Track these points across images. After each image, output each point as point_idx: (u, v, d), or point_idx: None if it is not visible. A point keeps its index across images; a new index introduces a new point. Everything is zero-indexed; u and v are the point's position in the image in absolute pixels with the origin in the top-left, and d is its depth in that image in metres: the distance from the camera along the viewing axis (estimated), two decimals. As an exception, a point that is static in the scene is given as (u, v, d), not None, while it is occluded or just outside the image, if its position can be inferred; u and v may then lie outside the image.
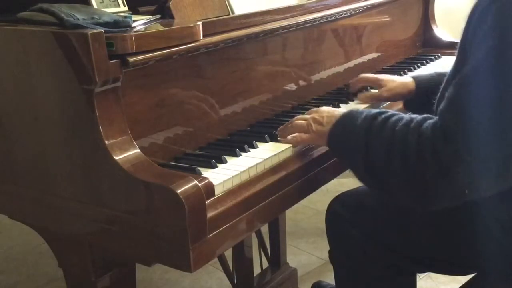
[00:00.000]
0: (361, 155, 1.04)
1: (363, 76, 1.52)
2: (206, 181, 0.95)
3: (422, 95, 1.37)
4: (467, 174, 0.94)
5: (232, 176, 1.03)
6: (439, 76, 1.38)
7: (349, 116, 1.10)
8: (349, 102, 1.48)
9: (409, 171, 0.98)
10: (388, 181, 1.02)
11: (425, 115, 1.02)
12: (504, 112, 0.93)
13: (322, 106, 1.31)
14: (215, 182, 0.99)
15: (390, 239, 1.22)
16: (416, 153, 0.96)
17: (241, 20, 1.24)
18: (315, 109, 1.20)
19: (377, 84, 1.47)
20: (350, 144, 1.07)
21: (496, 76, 0.93)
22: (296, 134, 1.18)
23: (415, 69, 1.83)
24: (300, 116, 1.23)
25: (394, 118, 1.03)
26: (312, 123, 1.16)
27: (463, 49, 1.02)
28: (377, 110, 1.08)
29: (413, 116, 1.03)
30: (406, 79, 1.47)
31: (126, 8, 1.19)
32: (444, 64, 1.89)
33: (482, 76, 0.95)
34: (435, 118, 0.99)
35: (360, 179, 1.10)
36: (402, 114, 1.05)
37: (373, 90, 1.51)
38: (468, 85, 0.96)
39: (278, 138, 1.21)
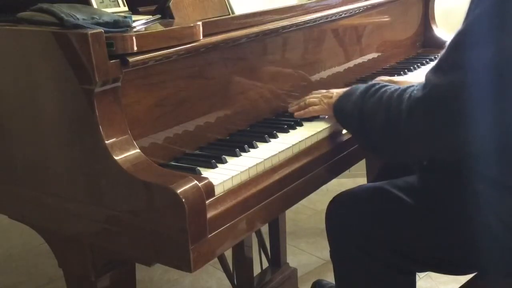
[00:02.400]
0: (356, 118, 1.17)
1: (378, 79, 1.53)
2: (206, 181, 0.95)
3: None
4: (438, 125, 1.02)
5: (232, 176, 1.03)
6: None
7: (353, 88, 1.24)
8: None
9: (388, 125, 1.09)
10: (376, 138, 1.14)
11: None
12: (504, 69, 0.95)
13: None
14: (215, 182, 0.99)
15: (390, 239, 1.22)
16: (396, 105, 1.07)
17: (241, 20, 1.24)
18: (324, 90, 1.36)
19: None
20: (347, 107, 1.20)
21: (489, 35, 0.96)
22: (310, 107, 1.34)
23: (415, 69, 1.83)
24: (311, 95, 1.38)
25: (389, 86, 1.15)
26: (323, 98, 1.33)
27: (465, 18, 1.04)
28: (377, 82, 1.20)
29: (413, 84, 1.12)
30: (408, 79, 1.49)
31: (126, 8, 1.19)
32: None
33: (474, 34, 0.98)
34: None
35: (356, 140, 1.27)
36: (399, 86, 1.15)
37: None
38: (458, 45, 1.00)
39: (292, 113, 1.36)
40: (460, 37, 1.01)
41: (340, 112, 1.24)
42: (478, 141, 1.02)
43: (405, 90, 1.09)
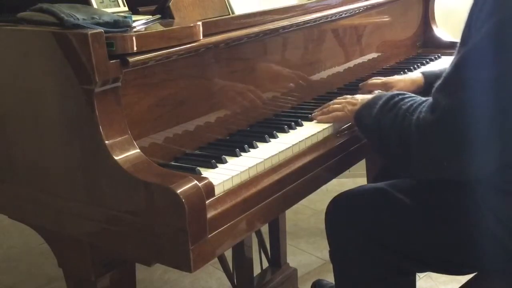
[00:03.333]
0: (374, 133, 1.17)
1: (371, 82, 1.53)
2: (206, 181, 0.95)
3: (429, 90, 1.39)
4: (448, 149, 1.02)
5: (232, 176, 1.03)
6: None
7: (375, 98, 1.21)
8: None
9: (401, 145, 1.09)
10: (391, 154, 1.15)
11: (428, 98, 1.10)
12: (501, 92, 0.96)
13: (322, 105, 1.34)
14: (215, 182, 0.99)
15: (390, 239, 1.22)
16: (408, 124, 1.07)
17: (241, 20, 1.24)
18: (350, 96, 1.34)
19: (387, 87, 1.49)
20: (367, 119, 1.19)
21: (494, 56, 0.97)
22: (333, 113, 1.32)
23: (415, 69, 1.82)
24: (335, 100, 1.36)
25: (407, 99, 1.14)
26: (347, 105, 1.30)
27: (464, 36, 1.05)
28: (398, 92, 1.19)
29: (423, 98, 1.12)
30: (414, 76, 1.54)
31: (126, 8, 1.19)
32: (445, 64, 1.89)
33: (479, 56, 0.98)
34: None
35: (374, 149, 1.25)
36: (416, 97, 1.15)
37: None
38: (464, 64, 1.00)
39: (314, 119, 1.34)
40: (466, 57, 1.01)
41: (360, 123, 1.23)
42: (485, 158, 1.02)
43: (416, 108, 1.08)
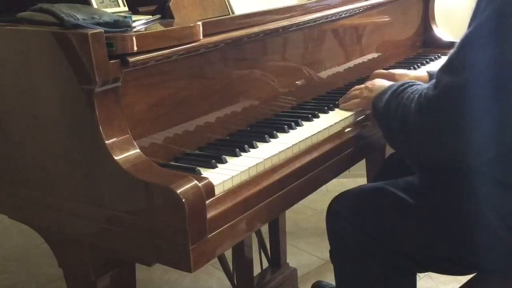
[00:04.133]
0: (384, 118, 1.19)
1: (377, 72, 1.54)
2: (206, 181, 0.95)
3: None
4: (446, 124, 1.04)
5: (232, 176, 1.03)
6: None
7: (390, 85, 1.24)
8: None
9: (401, 123, 1.11)
10: (395, 136, 1.17)
11: None
12: (503, 71, 0.98)
13: (322, 105, 1.34)
14: (215, 182, 0.99)
15: (390, 239, 1.22)
16: (410, 104, 1.09)
17: (241, 20, 1.24)
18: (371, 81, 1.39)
19: (391, 79, 1.49)
20: (380, 108, 1.21)
21: (497, 37, 0.98)
22: (352, 100, 1.38)
23: (415, 69, 1.82)
24: (355, 87, 1.41)
25: (416, 84, 1.16)
26: (364, 90, 1.35)
27: (471, 20, 1.06)
28: (409, 81, 1.22)
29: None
30: (420, 73, 1.56)
31: (126, 8, 1.19)
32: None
33: (482, 36, 1.00)
34: None
35: (385, 139, 1.25)
36: (427, 84, 1.15)
37: None
38: (467, 45, 1.02)
39: (339, 106, 1.41)
40: (469, 37, 1.03)
41: (374, 109, 1.26)
42: (483, 141, 1.03)
43: (422, 90, 1.11)
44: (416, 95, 1.11)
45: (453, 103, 1.02)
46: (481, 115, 1.01)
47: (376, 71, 1.56)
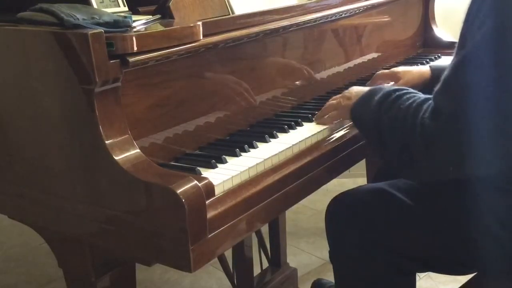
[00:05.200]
0: (373, 131, 1.14)
1: (380, 74, 1.54)
2: (206, 181, 0.95)
3: (435, 84, 1.39)
4: (454, 155, 1.01)
5: (232, 176, 1.03)
6: None
7: (371, 92, 1.18)
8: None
9: (405, 148, 1.06)
10: (391, 156, 1.12)
11: (428, 96, 1.08)
12: (503, 95, 0.95)
13: (322, 105, 1.34)
14: (215, 182, 0.99)
15: (390, 239, 1.22)
16: (410, 129, 1.04)
17: (241, 20, 1.24)
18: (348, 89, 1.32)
19: (395, 77, 1.50)
20: (365, 116, 1.16)
21: (494, 58, 0.95)
22: (329, 114, 1.30)
23: (415, 69, 1.82)
24: (333, 97, 1.34)
25: (405, 97, 1.10)
26: (341, 100, 1.28)
27: (462, 37, 1.03)
28: (395, 87, 1.17)
29: (422, 96, 1.10)
30: (423, 69, 1.54)
31: (126, 8, 1.19)
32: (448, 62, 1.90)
33: (479, 58, 0.97)
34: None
35: (373, 149, 1.22)
36: (415, 94, 1.12)
37: (391, 83, 1.51)
38: (464, 67, 0.99)
39: (315, 122, 1.33)
40: (465, 59, 0.99)
41: (357, 120, 1.21)
42: (488, 162, 1.02)
43: (417, 109, 1.06)
44: (417, 120, 1.03)
45: (458, 133, 0.99)
46: (485, 139, 0.98)
47: (379, 72, 1.56)
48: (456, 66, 1.01)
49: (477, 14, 0.99)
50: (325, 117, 1.31)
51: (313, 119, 1.34)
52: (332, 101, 1.32)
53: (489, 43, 0.96)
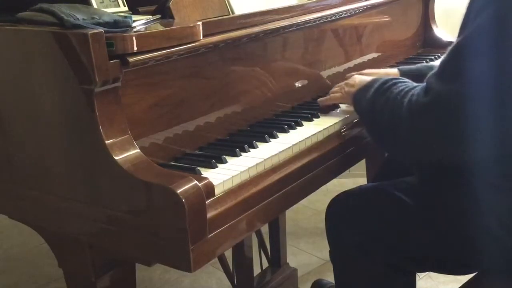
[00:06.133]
0: (368, 116, 1.20)
1: (347, 76, 1.52)
2: (206, 181, 0.95)
3: None
4: (437, 132, 1.03)
5: (232, 176, 1.03)
6: (427, 68, 1.44)
7: (372, 81, 1.23)
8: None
9: (391, 127, 1.11)
10: (382, 137, 1.18)
11: (423, 84, 1.10)
12: (504, 81, 0.96)
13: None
14: (215, 182, 0.99)
15: (390, 239, 1.22)
16: (398, 107, 1.09)
17: (241, 20, 1.24)
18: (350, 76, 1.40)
19: None
20: (364, 102, 1.21)
21: (491, 45, 0.96)
22: (332, 95, 1.39)
23: (415, 69, 1.82)
24: (337, 84, 1.42)
25: (399, 84, 1.15)
26: (345, 86, 1.36)
27: (462, 26, 1.05)
28: (394, 77, 1.22)
29: (416, 84, 1.14)
30: (390, 71, 1.54)
31: (126, 8, 1.19)
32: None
33: (477, 43, 0.98)
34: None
35: (367, 131, 1.26)
36: (410, 83, 1.16)
37: None
38: (461, 52, 1.00)
39: (318, 100, 1.43)
40: (462, 45, 1.01)
41: (357, 105, 1.26)
42: (479, 147, 1.02)
43: (408, 92, 1.10)
44: (405, 99, 1.08)
45: (446, 112, 1.01)
46: (477, 125, 0.99)
47: (347, 75, 1.54)
48: (452, 51, 1.03)
49: (476, 3, 1.00)
50: (326, 98, 1.40)
51: (317, 100, 1.43)
52: (336, 88, 1.40)
53: (486, 30, 0.97)
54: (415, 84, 1.14)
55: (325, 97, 1.41)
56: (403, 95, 1.10)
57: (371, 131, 1.23)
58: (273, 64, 1.38)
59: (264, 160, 1.10)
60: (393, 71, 1.53)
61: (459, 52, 1.02)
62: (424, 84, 1.08)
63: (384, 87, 1.17)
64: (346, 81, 1.37)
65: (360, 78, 1.33)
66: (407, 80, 1.19)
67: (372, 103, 1.18)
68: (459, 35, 1.05)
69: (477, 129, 0.99)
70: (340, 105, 1.43)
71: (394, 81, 1.18)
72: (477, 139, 1.00)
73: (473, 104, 0.98)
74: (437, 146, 1.04)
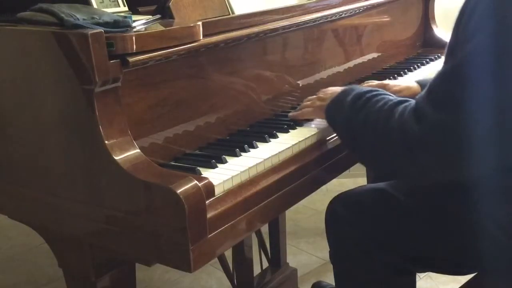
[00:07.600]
0: (345, 128, 1.15)
1: (367, 84, 1.52)
2: (206, 181, 0.95)
3: None
4: (438, 160, 0.99)
5: (232, 176, 1.03)
6: None
7: (344, 93, 1.19)
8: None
9: (376, 145, 1.07)
10: (362, 152, 1.14)
11: (401, 98, 1.08)
12: (497, 107, 0.93)
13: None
14: (215, 182, 0.99)
15: (390, 239, 1.22)
16: (383, 133, 1.04)
17: (241, 20, 1.24)
18: (323, 89, 1.33)
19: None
20: (339, 118, 1.17)
21: (488, 70, 0.92)
22: (303, 110, 1.32)
23: (415, 69, 1.83)
24: (309, 97, 1.36)
25: (375, 99, 1.10)
26: (317, 100, 1.30)
27: (451, 45, 1.02)
28: (367, 89, 1.16)
29: (393, 98, 1.10)
30: (411, 84, 1.47)
31: (126, 8, 1.19)
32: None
33: (471, 70, 0.93)
34: (412, 102, 1.04)
35: (346, 147, 1.23)
36: (386, 95, 1.12)
37: None
38: (454, 78, 0.96)
39: (289, 115, 1.34)
40: (456, 70, 0.96)
41: (331, 120, 1.21)
42: (479, 168, 1.00)
43: (391, 110, 1.05)
44: (392, 121, 1.02)
45: (445, 142, 0.96)
46: (477, 150, 0.95)
47: (365, 83, 1.51)
48: (445, 75, 0.98)
49: (467, 24, 0.96)
50: (298, 112, 1.33)
51: (288, 115, 1.35)
52: (307, 101, 1.34)
53: (482, 54, 0.92)
54: (391, 97, 1.10)
55: (296, 112, 1.33)
56: (387, 115, 1.04)
57: (349, 147, 1.19)
58: (273, 63, 1.38)
59: (264, 160, 1.10)
60: (414, 85, 1.46)
61: (452, 77, 0.97)
62: (412, 104, 1.02)
63: (360, 102, 1.11)
64: (318, 96, 1.31)
65: (332, 91, 1.26)
66: (381, 91, 1.14)
67: (349, 120, 1.12)
68: (448, 53, 1.01)
69: (477, 154, 0.96)
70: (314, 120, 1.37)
71: (368, 95, 1.11)
72: (478, 162, 0.98)
73: (472, 132, 0.94)
74: (436, 173, 1.03)
